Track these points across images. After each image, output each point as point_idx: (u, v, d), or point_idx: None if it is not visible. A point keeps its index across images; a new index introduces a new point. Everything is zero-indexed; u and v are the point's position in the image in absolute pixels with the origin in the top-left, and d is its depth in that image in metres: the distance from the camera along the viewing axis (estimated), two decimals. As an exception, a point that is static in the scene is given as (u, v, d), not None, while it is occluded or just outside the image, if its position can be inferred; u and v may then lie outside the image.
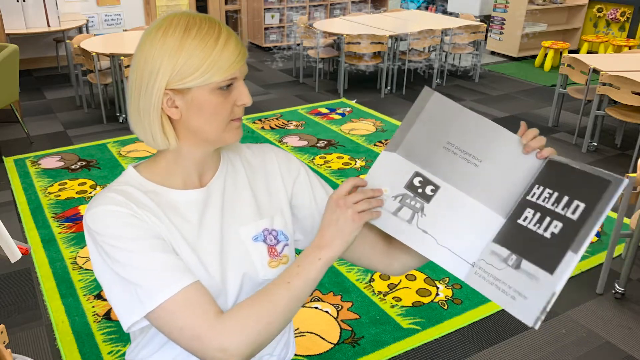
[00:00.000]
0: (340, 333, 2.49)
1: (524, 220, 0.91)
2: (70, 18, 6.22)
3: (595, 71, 4.29)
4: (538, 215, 0.90)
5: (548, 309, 0.82)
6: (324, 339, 2.46)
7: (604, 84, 4.11)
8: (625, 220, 2.81)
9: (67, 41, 5.39)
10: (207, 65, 0.87)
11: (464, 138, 0.97)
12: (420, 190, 0.97)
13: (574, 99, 5.42)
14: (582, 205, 0.86)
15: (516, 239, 0.90)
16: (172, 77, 0.87)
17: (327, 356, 2.36)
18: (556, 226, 0.87)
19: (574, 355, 2.40)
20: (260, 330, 0.86)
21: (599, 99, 4.27)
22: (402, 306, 2.66)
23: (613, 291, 2.77)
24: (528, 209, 0.92)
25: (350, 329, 2.52)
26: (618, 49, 6.65)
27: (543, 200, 0.91)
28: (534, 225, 0.90)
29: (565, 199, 0.88)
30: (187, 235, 0.94)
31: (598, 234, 3.32)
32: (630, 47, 6.59)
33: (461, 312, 2.62)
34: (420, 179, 0.98)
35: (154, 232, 0.90)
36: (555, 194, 0.90)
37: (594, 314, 2.65)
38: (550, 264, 0.85)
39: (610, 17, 7.25)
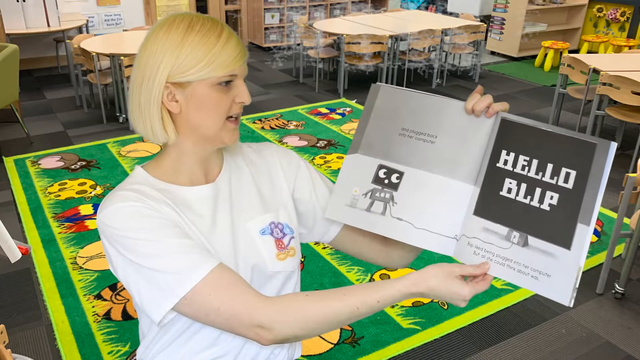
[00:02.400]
0: (340, 333, 2.49)
1: (508, 192, 0.90)
2: (70, 18, 6.21)
3: (595, 71, 4.29)
4: (524, 186, 0.88)
5: (577, 286, 0.81)
6: (324, 339, 2.46)
7: (604, 84, 4.11)
8: (625, 220, 2.81)
9: (67, 41, 5.39)
10: (208, 60, 0.89)
11: (415, 120, 0.99)
12: (386, 181, 0.99)
13: (574, 99, 5.42)
14: (573, 173, 0.84)
15: (508, 213, 0.89)
16: (173, 70, 0.89)
17: (327, 356, 2.37)
18: (552, 197, 0.86)
19: (574, 355, 2.40)
20: (304, 328, 0.87)
21: (599, 99, 4.27)
22: (402, 306, 2.66)
23: (613, 291, 2.77)
24: (508, 180, 0.90)
25: (350, 329, 2.52)
26: (618, 49, 6.65)
27: (522, 169, 0.89)
28: (524, 197, 0.88)
29: (550, 166, 0.87)
30: (203, 230, 0.95)
31: (598, 234, 3.32)
32: (630, 47, 6.59)
33: (461, 312, 2.62)
34: (384, 170, 1.00)
35: (172, 222, 0.91)
36: (535, 162, 0.88)
37: (594, 314, 2.65)
38: (562, 239, 0.83)
39: (610, 17, 7.26)
